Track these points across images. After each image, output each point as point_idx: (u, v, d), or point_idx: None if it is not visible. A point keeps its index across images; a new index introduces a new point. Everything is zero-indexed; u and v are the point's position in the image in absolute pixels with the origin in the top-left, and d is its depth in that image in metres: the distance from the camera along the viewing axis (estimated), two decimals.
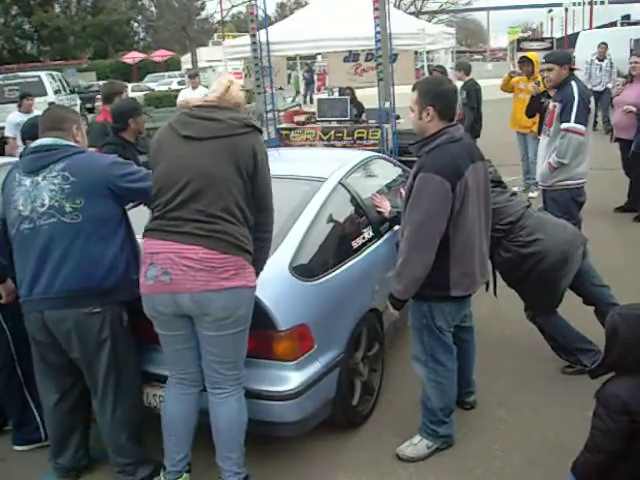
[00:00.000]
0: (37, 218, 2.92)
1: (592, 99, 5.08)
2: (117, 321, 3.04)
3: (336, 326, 3.38)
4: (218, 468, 3.02)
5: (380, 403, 3.84)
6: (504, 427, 3.61)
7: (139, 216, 3.11)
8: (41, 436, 3.58)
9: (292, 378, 3.10)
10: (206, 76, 23.51)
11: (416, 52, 10.94)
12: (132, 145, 4.60)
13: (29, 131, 3.67)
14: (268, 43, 9.43)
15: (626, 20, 25.88)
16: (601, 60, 12.83)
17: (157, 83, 31.78)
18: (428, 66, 10.35)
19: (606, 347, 2.55)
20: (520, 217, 3.85)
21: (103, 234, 2.96)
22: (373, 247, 3.94)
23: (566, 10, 47.93)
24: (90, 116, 17.77)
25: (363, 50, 10.77)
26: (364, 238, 3.89)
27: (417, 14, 37.29)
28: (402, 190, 4.42)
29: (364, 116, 9.71)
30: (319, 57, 27.02)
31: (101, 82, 22.67)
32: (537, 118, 6.53)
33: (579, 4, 46.33)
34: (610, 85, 11.74)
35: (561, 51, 7.17)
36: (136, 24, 46.58)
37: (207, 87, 8.71)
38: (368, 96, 10.88)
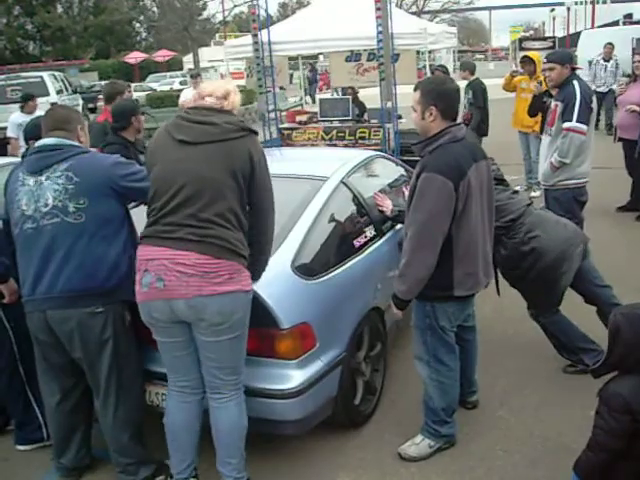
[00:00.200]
0: (40, 218, 2.93)
1: (594, 98, 5.06)
2: (119, 321, 3.05)
3: (338, 325, 3.39)
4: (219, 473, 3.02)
5: (382, 403, 3.84)
6: (506, 427, 3.61)
7: (142, 216, 3.11)
8: (43, 436, 3.58)
9: (294, 376, 3.10)
10: (208, 76, 23.55)
11: (418, 52, 10.92)
12: (133, 144, 4.62)
13: (32, 131, 3.68)
14: (270, 43, 9.42)
15: (628, 19, 25.82)
16: (607, 60, 12.77)
17: (159, 83, 31.80)
18: (430, 66, 10.35)
19: (609, 346, 2.56)
20: (521, 215, 3.85)
21: (106, 234, 2.96)
22: (375, 246, 3.94)
23: (568, 9, 47.93)
24: (92, 116, 17.78)
25: (365, 50, 10.77)
26: (366, 237, 3.90)
27: (419, 14, 37.35)
28: (404, 189, 4.43)
29: (366, 116, 9.71)
30: (321, 57, 27.01)
31: (103, 82, 22.66)
32: (539, 117, 6.53)
33: (581, 3, 46.30)
34: (615, 87, 11.68)
35: (563, 50, 7.15)
36: (138, 24, 46.64)
37: None
38: (370, 96, 10.88)
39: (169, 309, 2.77)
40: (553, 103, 5.09)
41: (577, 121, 4.79)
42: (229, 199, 2.77)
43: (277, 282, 3.17)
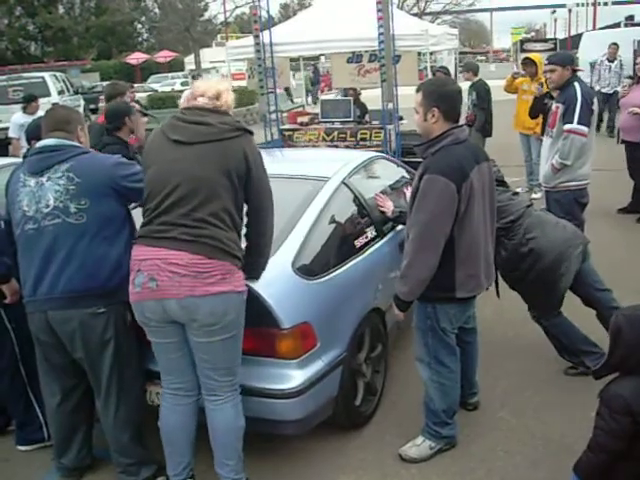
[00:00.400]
0: (41, 219, 2.93)
1: (595, 100, 5.06)
2: (121, 321, 3.05)
3: (339, 325, 3.39)
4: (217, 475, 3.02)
5: (383, 404, 3.84)
6: (507, 428, 3.61)
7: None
8: (44, 436, 3.59)
9: (295, 376, 3.10)
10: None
11: (419, 53, 10.92)
12: (128, 145, 4.68)
13: (34, 132, 3.68)
14: (271, 44, 9.43)
15: (630, 21, 25.79)
16: (611, 61, 12.74)
17: (160, 84, 31.80)
18: (431, 67, 10.35)
19: (610, 348, 2.56)
20: (520, 216, 3.86)
21: (107, 234, 2.97)
22: (376, 246, 3.94)
23: (570, 11, 47.92)
24: (94, 117, 17.80)
25: (366, 51, 10.76)
26: (367, 237, 3.90)
27: (420, 15, 37.36)
28: (405, 190, 4.43)
29: (367, 117, 9.71)
30: (322, 58, 27.03)
31: (105, 83, 22.68)
32: (540, 119, 6.54)
33: (583, 5, 46.31)
34: (619, 88, 11.64)
35: (564, 52, 7.16)
36: (140, 25, 46.67)
37: None
38: (371, 97, 10.88)
39: (162, 309, 2.77)
40: (554, 105, 5.10)
41: (578, 123, 4.79)
42: (223, 199, 2.77)
43: (278, 282, 3.18)
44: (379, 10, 8.37)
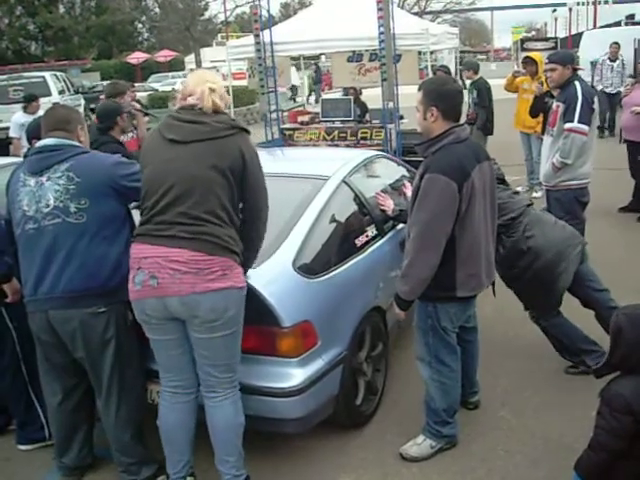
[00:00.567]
0: (42, 218, 2.93)
1: (596, 99, 5.06)
2: (121, 320, 3.05)
3: (340, 323, 3.39)
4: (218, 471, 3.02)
5: (384, 403, 3.85)
6: (507, 427, 3.61)
7: None
8: (45, 435, 3.59)
9: (295, 374, 3.10)
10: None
11: (420, 52, 10.92)
12: (123, 143, 4.79)
13: (35, 131, 3.68)
14: (272, 43, 9.43)
15: (630, 20, 25.76)
16: (613, 61, 12.69)
17: (161, 83, 31.76)
18: (432, 66, 10.35)
19: (610, 347, 2.56)
20: (521, 214, 3.86)
21: (108, 234, 2.97)
22: (376, 245, 3.94)
23: (570, 10, 47.82)
24: (94, 116, 17.77)
25: (367, 50, 10.76)
26: (367, 236, 3.90)
27: (421, 14, 37.36)
28: (404, 189, 4.42)
29: (368, 116, 9.71)
30: (323, 57, 27.02)
31: (105, 82, 22.65)
32: (541, 118, 6.52)
33: (583, 4, 46.23)
34: (622, 89, 11.59)
35: (564, 51, 7.15)
36: (140, 24, 46.65)
37: None
38: (372, 96, 10.88)
39: (163, 307, 2.78)
40: (554, 104, 5.09)
41: (579, 122, 4.78)
42: (220, 196, 2.78)
43: (279, 281, 3.18)
44: (379, 9, 8.37)
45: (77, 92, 20.81)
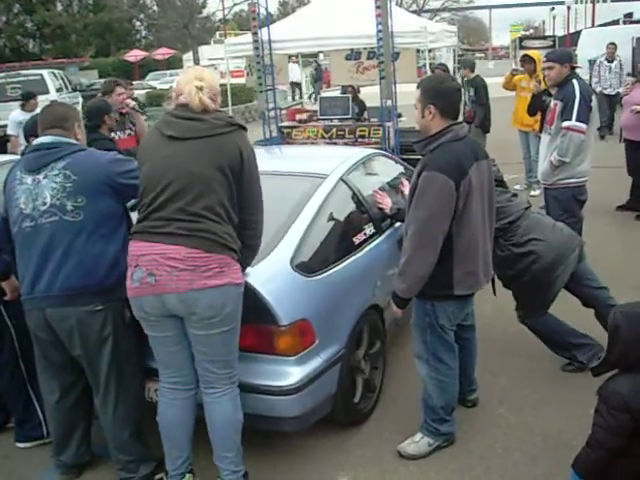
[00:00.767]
0: (39, 216, 2.93)
1: (594, 97, 5.06)
2: (119, 318, 3.05)
3: (337, 321, 3.39)
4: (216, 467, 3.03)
5: (382, 400, 3.85)
6: (505, 424, 3.61)
7: None
8: (43, 433, 3.59)
9: (293, 373, 3.11)
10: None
11: (418, 50, 10.91)
12: (113, 140, 4.91)
13: (33, 129, 3.67)
14: (270, 41, 9.42)
15: (629, 18, 25.78)
16: (610, 61, 12.66)
17: (159, 81, 31.67)
18: (430, 64, 10.35)
19: (608, 345, 2.56)
20: (519, 217, 3.87)
21: (105, 232, 2.97)
22: (374, 243, 3.94)
23: (568, 8, 47.81)
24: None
25: (365, 48, 10.74)
26: (365, 234, 3.90)
27: (419, 12, 37.35)
28: (402, 187, 4.42)
29: (366, 114, 9.71)
30: (321, 55, 26.98)
31: (103, 80, 22.62)
32: (539, 116, 6.53)
33: (581, 2, 46.26)
34: (621, 89, 11.54)
35: (562, 49, 7.14)
36: (138, 22, 46.55)
37: None
38: (370, 94, 10.87)
39: (160, 304, 2.78)
40: (552, 102, 5.09)
41: (576, 120, 4.79)
42: (218, 193, 2.78)
43: (276, 279, 3.18)
44: (378, 7, 8.35)
45: (75, 90, 20.78)
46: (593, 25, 33.75)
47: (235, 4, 33.38)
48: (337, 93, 11.77)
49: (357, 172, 4.23)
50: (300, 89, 23.85)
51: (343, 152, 5.22)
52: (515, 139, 8.99)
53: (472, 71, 9.04)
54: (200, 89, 2.83)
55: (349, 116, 9.35)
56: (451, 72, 9.89)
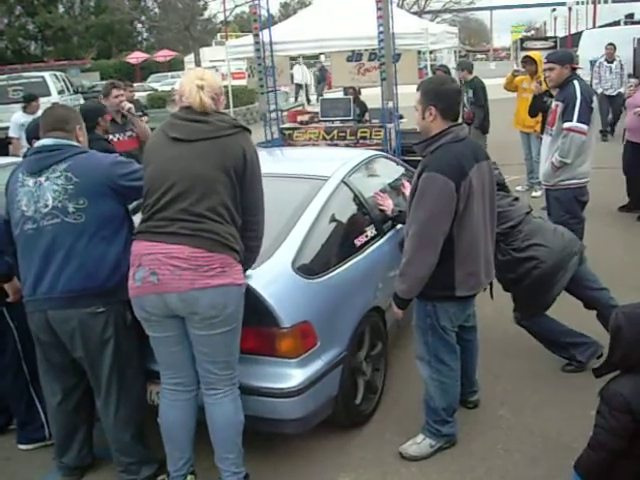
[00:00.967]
0: (40, 219, 2.94)
1: (595, 98, 5.06)
2: (120, 320, 3.06)
3: (339, 324, 3.39)
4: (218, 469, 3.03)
5: (383, 402, 3.85)
6: (506, 426, 3.61)
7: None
8: (45, 435, 3.59)
9: (295, 375, 3.11)
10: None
11: (419, 52, 10.91)
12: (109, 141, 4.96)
13: (34, 131, 3.68)
14: (271, 43, 9.42)
15: (630, 19, 25.76)
16: (610, 62, 12.64)
17: (160, 83, 31.74)
18: (431, 66, 10.35)
19: (610, 346, 2.56)
20: (520, 222, 3.88)
21: (106, 234, 2.97)
22: (376, 245, 3.94)
23: (570, 9, 47.78)
24: None
25: (366, 50, 10.74)
26: (367, 236, 3.90)
27: (420, 14, 37.33)
28: (403, 189, 4.42)
29: (367, 116, 9.71)
30: (322, 57, 26.99)
31: (104, 82, 22.64)
32: (540, 117, 6.53)
33: (582, 3, 46.24)
34: (622, 90, 11.45)
35: (563, 50, 7.12)
36: (139, 24, 46.60)
37: None
38: (371, 96, 10.88)
39: (162, 303, 2.78)
40: (554, 103, 5.09)
41: (578, 121, 4.79)
42: (221, 194, 2.79)
43: (278, 281, 3.18)
44: (379, 9, 8.36)
45: (76, 92, 20.80)
46: (594, 26, 33.75)
47: (236, 6, 33.41)
48: (340, 95, 11.78)
49: (358, 174, 4.23)
50: (307, 90, 23.85)
51: (344, 154, 5.22)
52: (516, 140, 8.99)
53: (470, 73, 9.07)
54: (201, 88, 2.84)
55: (350, 118, 9.36)
56: (452, 74, 9.88)
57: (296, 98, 21.98)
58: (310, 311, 3.20)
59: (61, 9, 43.65)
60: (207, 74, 2.97)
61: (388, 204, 4.12)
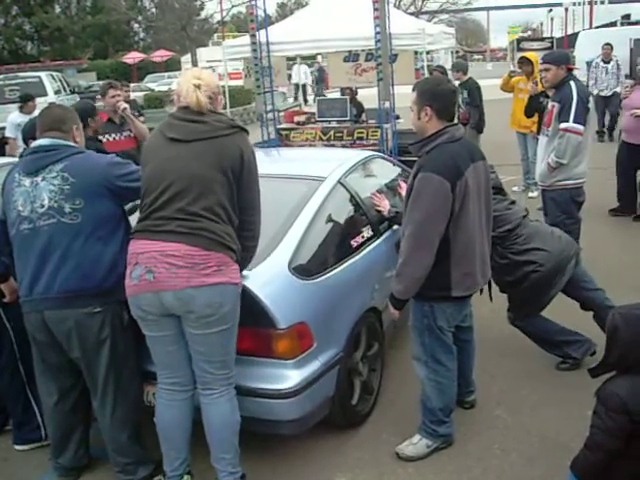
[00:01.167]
0: (37, 219, 2.93)
1: (591, 99, 5.06)
2: (117, 321, 3.05)
3: (335, 325, 3.39)
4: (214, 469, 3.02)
5: (380, 402, 3.85)
6: (503, 426, 3.62)
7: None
8: (42, 435, 3.59)
9: (291, 376, 3.10)
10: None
11: (416, 52, 10.92)
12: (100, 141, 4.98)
13: (31, 131, 3.68)
14: (268, 43, 9.42)
15: (626, 20, 25.86)
16: (606, 62, 12.63)
17: (157, 83, 31.71)
18: (428, 66, 10.36)
19: (607, 346, 2.56)
20: (517, 225, 3.88)
21: (102, 234, 2.97)
22: (372, 246, 3.94)
23: (566, 10, 47.93)
24: None
25: (363, 50, 10.75)
26: (363, 237, 3.90)
27: (417, 14, 37.31)
28: (399, 189, 4.43)
29: (364, 116, 9.71)
30: (319, 57, 27.00)
31: (101, 82, 22.62)
32: (536, 118, 6.54)
33: (579, 4, 46.31)
34: (618, 89, 11.41)
35: (558, 51, 7.14)
36: (136, 24, 46.55)
37: None
38: (368, 96, 10.88)
39: (158, 302, 2.78)
40: (550, 104, 5.10)
41: (574, 121, 4.79)
42: (218, 194, 2.80)
43: (274, 282, 3.18)
44: (376, 9, 8.36)
45: (73, 92, 20.79)
46: (591, 27, 33.83)
47: (233, 6, 33.33)
48: (337, 95, 11.77)
49: (355, 175, 4.23)
50: (304, 91, 23.87)
51: (341, 154, 5.22)
52: (513, 141, 8.99)
53: (465, 74, 9.09)
54: (198, 87, 2.84)
55: (347, 118, 9.36)
56: (449, 74, 9.89)
57: (295, 98, 22.00)
58: (306, 312, 3.20)
59: (57, 9, 43.59)
60: (204, 73, 2.98)
61: (385, 205, 4.12)
